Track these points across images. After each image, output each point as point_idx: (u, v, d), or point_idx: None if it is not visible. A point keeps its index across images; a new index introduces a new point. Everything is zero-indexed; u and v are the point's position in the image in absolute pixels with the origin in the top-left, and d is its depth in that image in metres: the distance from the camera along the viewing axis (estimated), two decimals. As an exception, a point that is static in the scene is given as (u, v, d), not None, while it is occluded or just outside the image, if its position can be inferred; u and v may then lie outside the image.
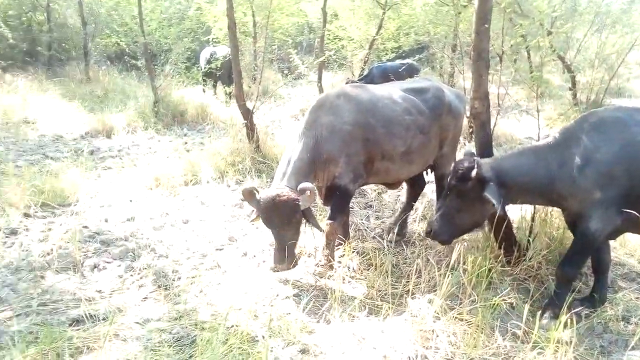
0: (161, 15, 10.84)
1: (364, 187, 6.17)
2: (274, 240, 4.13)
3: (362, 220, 5.53)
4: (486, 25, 4.11)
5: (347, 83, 10.14)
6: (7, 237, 4.91)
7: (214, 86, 12.89)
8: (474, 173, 3.69)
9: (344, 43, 13.04)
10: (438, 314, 3.53)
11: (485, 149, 4.30)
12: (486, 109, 4.29)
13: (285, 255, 4.04)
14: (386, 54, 12.95)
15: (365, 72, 11.91)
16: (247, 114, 7.16)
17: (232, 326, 3.46)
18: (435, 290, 3.77)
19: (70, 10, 15.15)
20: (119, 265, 4.46)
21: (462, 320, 3.53)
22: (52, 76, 13.41)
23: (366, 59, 12.98)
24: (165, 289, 4.12)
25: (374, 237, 5.09)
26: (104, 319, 3.62)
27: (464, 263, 3.83)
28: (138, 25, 9.85)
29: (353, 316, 3.67)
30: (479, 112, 4.28)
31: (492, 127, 4.50)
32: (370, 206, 6.04)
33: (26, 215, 5.37)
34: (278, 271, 4.09)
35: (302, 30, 17.69)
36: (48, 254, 4.57)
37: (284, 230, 4.04)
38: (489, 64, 4.27)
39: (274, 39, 12.34)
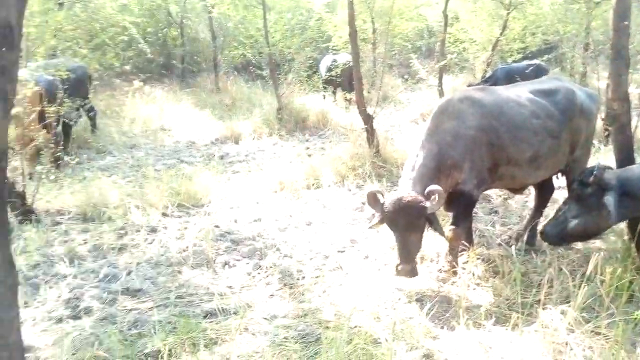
0: (284, 27, 11.26)
1: (489, 192, 5.96)
2: (396, 243, 4.10)
3: (486, 226, 5.35)
4: (626, 22, 3.83)
5: (469, 86, 9.87)
6: (148, 234, 5.36)
7: (334, 93, 13.13)
8: (592, 178, 3.49)
9: (465, 45, 12.72)
10: (572, 326, 3.31)
11: (624, 153, 4.01)
12: (626, 111, 4.00)
13: (407, 260, 4.00)
14: (511, 55, 12.42)
15: (489, 74, 11.51)
16: (368, 119, 7.22)
17: (355, 327, 3.49)
18: (568, 302, 3.55)
19: (202, 25, 16.20)
20: (248, 263, 4.69)
21: (598, 334, 3.29)
22: (185, 87, 14.41)
23: (489, 60, 12.54)
24: (290, 287, 4.25)
25: (499, 244, 4.89)
26: (234, 313, 3.83)
27: (601, 274, 3.58)
28: (263, 37, 10.33)
29: (479, 324, 3.55)
30: (618, 114, 4.00)
31: (632, 129, 4.18)
32: (496, 212, 5.82)
33: (164, 214, 5.82)
34: (399, 275, 4.05)
35: (421, 34, 17.49)
36: (184, 250, 4.92)
37: (408, 233, 3.99)
38: (628, 63, 3.98)
39: (393, 45, 12.33)
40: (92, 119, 9.68)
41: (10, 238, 2.00)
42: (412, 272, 3.96)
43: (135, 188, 6.34)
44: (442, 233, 4.14)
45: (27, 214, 5.49)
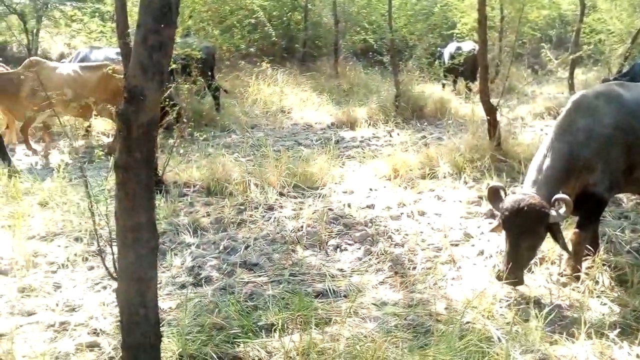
0: (408, 12, 11.12)
1: (619, 195, 5.54)
2: (506, 246, 3.88)
3: (615, 231, 4.95)
4: None
5: (603, 81, 9.16)
6: (265, 212, 5.56)
7: (454, 82, 12.80)
8: None
9: (602, 37, 11.81)
10: None
11: None
12: None
13: (515, 268, 3.76)
14: (653, 48, 11.38)
15: (626, 69, 10.60)
16: (491, 110, 6.95)
17: (468, 323, 3.40)
18: None
19: (325, 10, 16.41)
20: (359, 248, 4.73)
21: None
22: (305, 71, 14.70)
23: (627, 54, 11.56)
24: (401, 276, 4.23)
25: (629, 252, 4.52)
26: (344, 296, 3.88)
27: None
28: (386, 22, 10.26)
29: (601, 334, 3.32)
30: None
31: None
32: (626, 217, 5.38)
33: (281, 194, 6.01)
34: (502, 280, 3.81)
35: (553, 23, 16.48)
36: (298, 230, 5.06)
37: (523, 240, 3.74)
38: None
39: (522, 33, 11.74)
40: (217, 98, 10.20)
41: (154, 202, 2.16)
42: (517, 282, 3.72)
43: (255, 167, 6.59)
44: (564, 247, 3.83)
45: (158, 184, 5.90)
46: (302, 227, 5.10)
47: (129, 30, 5.34)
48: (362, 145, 8.33)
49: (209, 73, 9.99)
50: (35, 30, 16.50)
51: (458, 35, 12.36)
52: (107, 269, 2.56)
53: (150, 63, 1.98)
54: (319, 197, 5.94)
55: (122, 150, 2.04)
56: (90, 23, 10.56)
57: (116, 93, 6.98)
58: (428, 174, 6.60)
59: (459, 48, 11.82)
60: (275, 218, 5.38)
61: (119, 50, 9.02)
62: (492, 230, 4.09)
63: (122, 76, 7.42)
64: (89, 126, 8.66)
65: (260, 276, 4.27)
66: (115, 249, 2.35)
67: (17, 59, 11.35)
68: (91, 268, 4.40)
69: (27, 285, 4.06)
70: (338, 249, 4.75)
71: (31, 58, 8.27)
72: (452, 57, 11.63)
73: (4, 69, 7.99)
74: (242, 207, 5.60)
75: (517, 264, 3.72)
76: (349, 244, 4.83)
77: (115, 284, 3.99)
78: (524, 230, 3.70)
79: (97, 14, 10.66)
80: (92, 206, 2.74)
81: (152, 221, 2.14)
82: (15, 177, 5.99)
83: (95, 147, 7.62)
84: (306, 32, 16.36)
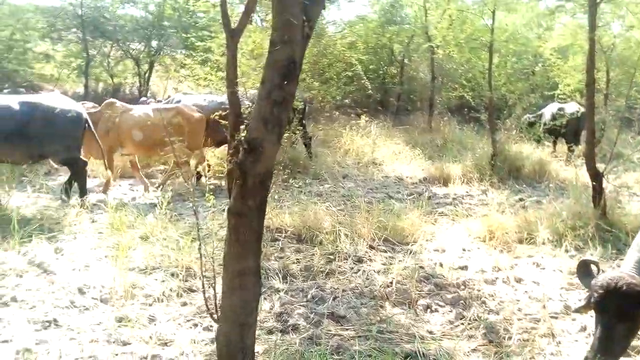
0: (508, 71, 10.96)
1: None
2: (598, 330, 3.50)
3: None
4: None
5: None
6: (354, 263, 5.53)
7: (554, 143, 12.36)
8: None
9: None
10: None
11: None
12: None
13: (606, 353, 3.35)
14: None
15: None
16: (596, 176, 6.60)
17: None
18: None
19: (422, 65, 16.56)
20: (451, 311, 4.56)
21: None
22: (398, 124, 14.76)
23: None
24: (495, 346, 4.02)
25: None
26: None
27: None
28: (485, 80, 10.15)
29: None
30: None
31: None
32: None
33: (371, 247, 5.96)
34: None
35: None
36: (387, 286, 4.97)
37: (618, 323, 3.35)
38: None
39: (631, 97, 11.21)
40: (308, 146, 10.43)
41: (261, 250, 2.20)
42: None
43: (346, 217, 6.60)
44: None
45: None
46: (391, 282, 5.01)
47: (237, 80, 5.63)
48: (455, 203, 8.15)
49: (303, 122, 10.30)
50: (147, 74, 17.89)
51: (560, 96, 12.00)
52: (209, 311, 2.61)
53: (272, 117, 2.07)
54: (410, 253, 5.82)
55: (237, 197, 2.11)
56: (198, 70, 11.24)
57: (186, 135, 7.45)
58: (526, 239, 6.32)
59: (561, 109, 11.46)
60: (364, 271, 5.33)
61: (206, 97, 9.67)
62: (577, 310, 3.69)
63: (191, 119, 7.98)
64: (197, 165, 9.07)
65: (347, 329, 4.21)
66: (215, 289, 2.40)
67: (129, 100, 12.24)
68: (184, 304, 4.53)
69: (124, 315, 4.24)
70: (428, 310, 4.60)
71: (108, 99, 8.89)
72: (553, 117, 11.28)
73: (93, 108, 8.58)
74: (332, 257, 5.60)
75: (609, 351, 3.34)
76: (440, 305, 4.68)
77: (206, 322, 4.11)
78: (620, 313, 3.31)
79: (207, 63, 11.33)
80: (200, 247, 2.84)
81: (258, 268, 2.18)
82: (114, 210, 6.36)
83: (203, 189, 7.90)
84: (401, 86, 16.53)
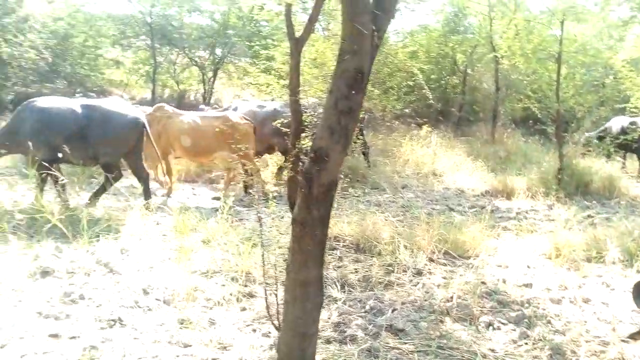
0: (577, 83, 10.56)
1: None
2: None
3: None
4: None
5: None
6: (413, 276, 5.43)
7: (624, 158, 11.80)
8: None
9: None
10: None
11: None
12: None
13: None
14: None
15: None
16: (673, 194, 6.25)
17: None
18: None
19: (486, 76, 16.22)
20: (514, 330, 4.39)
21: None
22: (460, 135, 14.50)
23: None
24: (562, 369, 3.84)
25: None
26: (497, 380, 3.60)
27: None
28: (553, 92, 9.82)
29: None
30: None
31: None
32: None
33: (431, 259, 5.85)
34: None
35: None
36: (448, 300, 4.84)
37: None
38: None
39: None
40: (366, 155, 10.38)
41: (324, 259, 2.19)
42: None
43: (405, 228, 6.51)
44: None
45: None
46: (452, 297, 4.88)
47: (299, 88, 5.67)
48: (519, 217, 7.90)
49: (362, 131, 10.27)
50: (211, 81, 18.38)
51: (631, 110, 11.46)
52: (271, 318, 2.62)
53: (338, 127, 2.06)
54: (471, 267, 5.67)
55: (302, 206, 2.12)
56: (260, 78, 11.43)
57: (236, 141, 7.49)
58: (594, 257, 6.04)
59: (633, 123, 10.93)
60: (423, 284, 5.23)
61: (260, 103, 9.81)
62: (632, 336, 3.47)
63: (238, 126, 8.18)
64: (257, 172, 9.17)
65: (405, 343, 4.12)
66: (277, 296, 2.40)
67: (193, 106, 12.58)
68: (243, 309, 4.58)
69: (185, 317, 4.32)
70: (490, 327, 4.45)
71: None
72: (624, 132, 10.77)
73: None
74: (391, 268, 5.53)
75: None
76: (502, 323, 4.52)
77: (265, 328, 4.14)
78: None
79: (270, 71, 11.51)
80: (263, 255, 2.86)
81: (321, 277, 2.17)
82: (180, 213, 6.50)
83: (266, 195, 7.90)
84: (463, 96, 16.24)
